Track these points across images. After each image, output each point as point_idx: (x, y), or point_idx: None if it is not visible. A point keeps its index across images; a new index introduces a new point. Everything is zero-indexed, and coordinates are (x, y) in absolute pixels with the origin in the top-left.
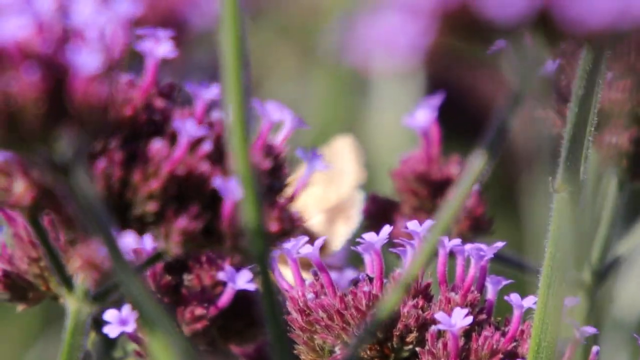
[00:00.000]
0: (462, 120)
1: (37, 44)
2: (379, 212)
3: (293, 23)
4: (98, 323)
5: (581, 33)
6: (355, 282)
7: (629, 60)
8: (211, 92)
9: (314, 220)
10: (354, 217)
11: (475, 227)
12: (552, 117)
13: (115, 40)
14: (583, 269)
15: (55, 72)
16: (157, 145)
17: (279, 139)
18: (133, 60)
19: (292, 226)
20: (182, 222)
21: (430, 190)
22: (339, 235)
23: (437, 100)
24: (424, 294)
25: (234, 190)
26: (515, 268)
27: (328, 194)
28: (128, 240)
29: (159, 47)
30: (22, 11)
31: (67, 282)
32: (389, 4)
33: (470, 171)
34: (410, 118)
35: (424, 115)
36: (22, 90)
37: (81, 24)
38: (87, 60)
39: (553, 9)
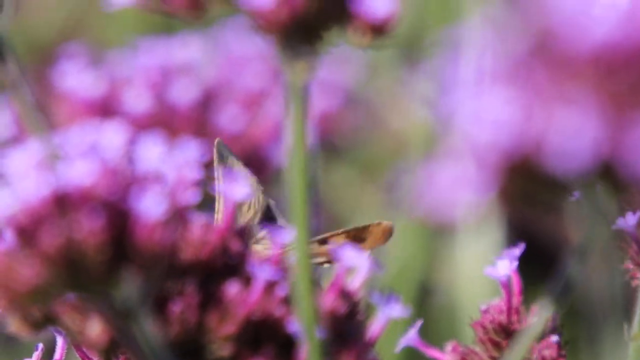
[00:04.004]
0: (544, 266)
1: (102, 189)
2: None
3: (378, 160)
4: None
5: None
6: None
7: None
8: (287, 235)
9: None
10: None
11: None
12: (632, 269)
13: (183, 185)
14: None
15: (119, 219)
16: (233, 289)
17: (354, 284)
18: (211, 200)
19: None
20: None
21: (511, 341)
22: None
23: (517, 250)
24: None
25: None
26: None
27: None
28: None
29: (236, 189)
30: (88, 156)
31: None
32: (455, 155)
33: (539, 321)
34: (491, 269)
35: (505, 266)
36: (85, 236)
37: (147, 170)
38: (151, 207)
39: (617, 162)
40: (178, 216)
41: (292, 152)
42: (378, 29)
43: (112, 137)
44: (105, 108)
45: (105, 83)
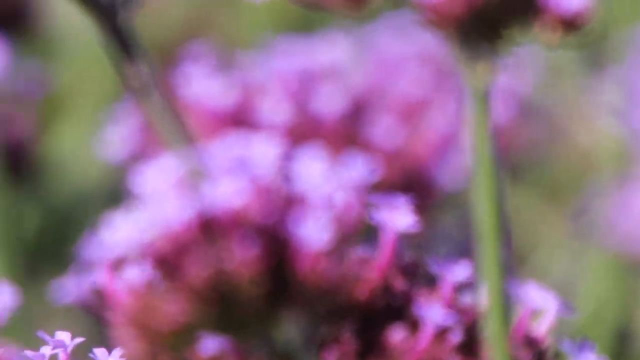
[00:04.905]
0: None
1: (255, 212)
2: None
3: (562, 182)
4: None
5: None
6: None
7: None
8: (461, 271)
9: None
10: None
11: None
12: None
13: (348, 210)
14: None
15: (277, 247)
16: (398, 335)
17: (541, 328)
18: (367, 232)
19: None
20: None
21: None
22: None
23: None
24: None
25: None
26: None
27: None
28: None
29: (399, 218)
30: (237, 174)
31: None
32: None
33: None
34: None
35: None
36: (237, 266)
37: (307, 190)
38: (314, 233)
39: None
40: (343, 246)
41: (476, 171)
42: (570, 25)
43: (263, 150)
44: (236, 120)
45: (237, 90)
